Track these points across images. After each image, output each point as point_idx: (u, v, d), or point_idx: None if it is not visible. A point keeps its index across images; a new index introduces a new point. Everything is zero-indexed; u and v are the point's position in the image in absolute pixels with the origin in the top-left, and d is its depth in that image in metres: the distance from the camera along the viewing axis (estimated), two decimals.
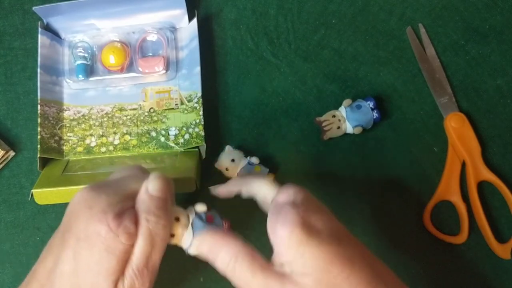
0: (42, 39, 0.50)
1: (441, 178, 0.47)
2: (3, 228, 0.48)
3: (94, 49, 0.51)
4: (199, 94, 0.48)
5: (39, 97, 0.48)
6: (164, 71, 0.50)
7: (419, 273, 0.46)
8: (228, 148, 0.47)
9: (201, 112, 0.48)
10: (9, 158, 0.50)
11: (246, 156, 0.47)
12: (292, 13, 0.53)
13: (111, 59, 0.49)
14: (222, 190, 0.41)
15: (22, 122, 0.51)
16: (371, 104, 0.48)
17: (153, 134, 0.49)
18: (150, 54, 0.51)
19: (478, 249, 0.46)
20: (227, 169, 0.46)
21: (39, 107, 0.48)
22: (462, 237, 0.46)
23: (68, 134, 0.50)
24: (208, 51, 0.52)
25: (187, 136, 0.48)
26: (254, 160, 0.46)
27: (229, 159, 0.46)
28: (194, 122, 0.48)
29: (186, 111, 0.49)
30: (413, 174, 0.48)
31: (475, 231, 0.46)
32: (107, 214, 0.32)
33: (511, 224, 0.46)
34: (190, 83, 0.49)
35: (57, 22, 0.51)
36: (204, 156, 0.48)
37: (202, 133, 0.48)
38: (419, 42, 0.51)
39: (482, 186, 0.47)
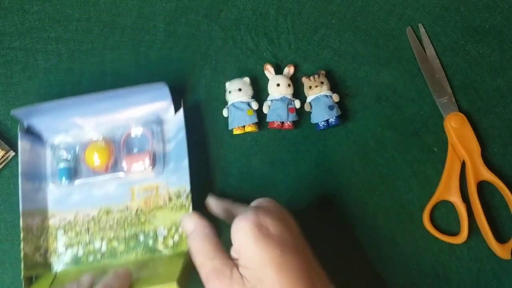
0: (22, 144, 0.46)
1: (441, 178, 0.47)
2: (3, 228, 0.48)
3: (77, 149, 0.48)
4: (188, 189, 0.46)
5: (21, 209, 0.45)
6: (151, 167, 0.47)
7: (419, 272, 0.46)
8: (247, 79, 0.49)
9: (190, 209, 0.45)
10: (9, 158, 0.50)
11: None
12: (292, 13, 0.53)
13: (95, 158, 0.47)
14: (213, 206, 0.44)
15: None
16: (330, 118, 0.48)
17: (141, 237, 0.46)
18: (136, 150, 0.48)
19: (478, 249, 0.46)
20: (239, 90, 0.48)
21: (21, 220, 0.44)
22: (462, 237, 0.46)
23: (54, 245, 0.47)
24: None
25: (176, 237, 0.46)
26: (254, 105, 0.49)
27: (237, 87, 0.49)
28: None
29: (174, 209, 0.46)
30: (413, 174, 0.48)
31: (475, 231, 0.46)
32: None
33: (511, 224, 0.47)
34: (177, 177, 0.47)
35: (38, 123, 0.48)
36: None
37: None
38: (419, 42, 0.51)
39: (482, 186, 0.47)
